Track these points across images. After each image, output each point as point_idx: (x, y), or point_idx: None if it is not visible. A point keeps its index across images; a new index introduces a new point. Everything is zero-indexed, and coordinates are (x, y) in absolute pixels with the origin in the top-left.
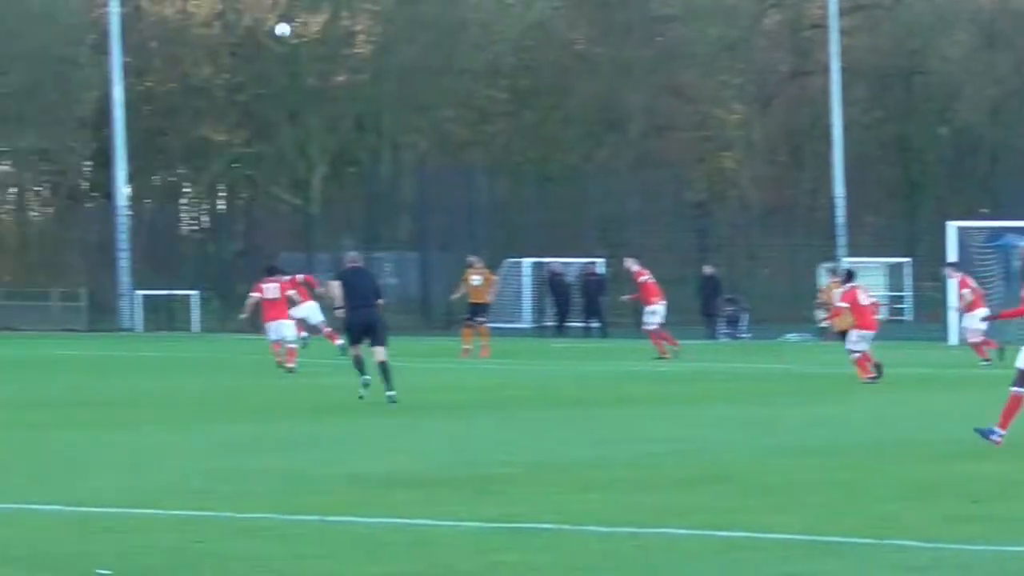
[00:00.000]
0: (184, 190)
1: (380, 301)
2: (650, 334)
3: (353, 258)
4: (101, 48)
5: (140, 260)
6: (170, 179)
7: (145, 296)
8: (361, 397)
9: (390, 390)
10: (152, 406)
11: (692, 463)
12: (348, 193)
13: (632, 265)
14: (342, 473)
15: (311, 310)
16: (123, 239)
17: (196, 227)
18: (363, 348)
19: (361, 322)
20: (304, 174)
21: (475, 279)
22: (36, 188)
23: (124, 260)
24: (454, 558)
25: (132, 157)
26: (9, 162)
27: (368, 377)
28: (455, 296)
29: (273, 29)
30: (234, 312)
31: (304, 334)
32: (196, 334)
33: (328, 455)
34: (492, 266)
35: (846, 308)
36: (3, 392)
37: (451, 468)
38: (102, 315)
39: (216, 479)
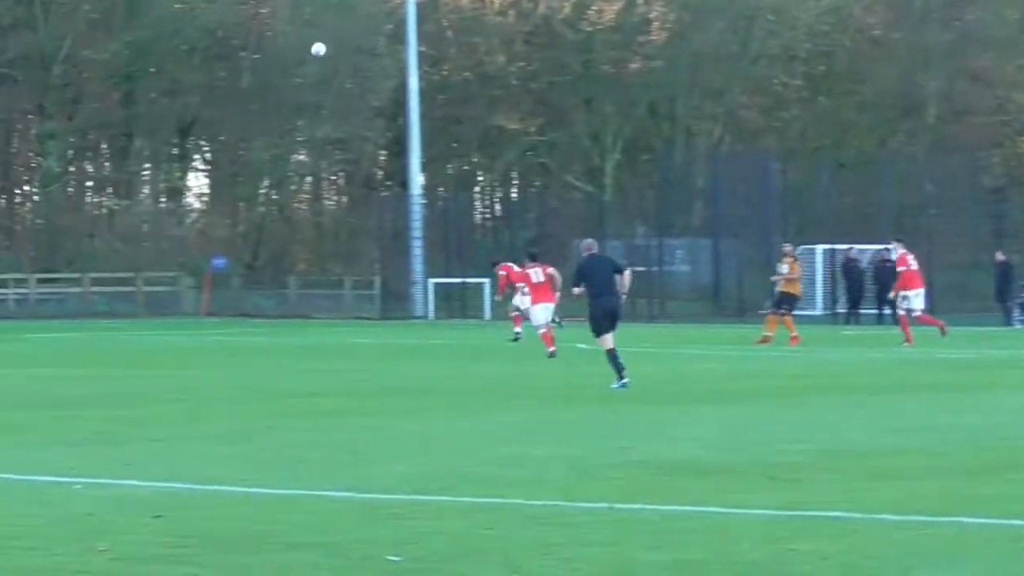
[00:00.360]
0: (478, 178)
1: (625, 279)
2: (900, 319)
3: (589, 246)
4: (397, 38)
5: (433, 248)
6: (464, 168)
7: (437, 284)
8: (623, 386)
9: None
10: (442, 394)
11: (985, 451)
12: (641, 180)
13: (898, 249)
14: (630, 460)
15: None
16: (416, 227)
17: (489, 215)
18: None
19: (605, 310)
20: (597, 161)
21: (783, 268)
22: (331, 177)
23: (417, 248)
24: (744, 546)
25: (426, 146)
26: (305, 151)
27: (626, 380)
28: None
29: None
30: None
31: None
32: (487, 322)
33: (615, 442)
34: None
35: None
36: (297, 380)
37: (740, 455)
38: (395, 303)
39: (504, 466)
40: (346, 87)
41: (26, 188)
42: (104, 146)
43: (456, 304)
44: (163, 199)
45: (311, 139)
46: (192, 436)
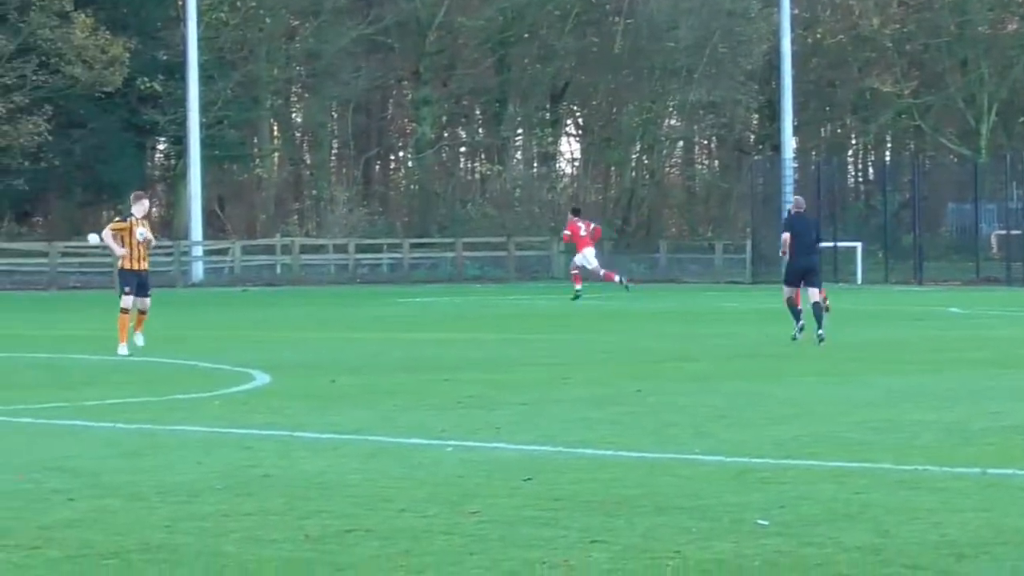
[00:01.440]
0: (851, 141)
1: (820, 245)
2: None
3: (798, 203)
4: (771, 1)
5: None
6: (837, 130)
7: None
8: (794, 338)
9: (819, 329)
10: (812, 358)
11: None
12: (1017, 142)
13: None
14: (1003, 425)
15: (587, 256)
16: (788, 191)
17: (861, 179)
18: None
19: (801, 268)
20: (972, 123)
21: None
22: (703, 141)
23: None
24: None
25: (799, 109)
26: (677, 115)
27: (803, 323)
28: None
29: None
30: (898, 264)
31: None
32: (859, 287)
33: (987, 407)
34: None
35: None
36: (667, 345)
37: None
38: (766, 267)
39: (874, 430)
40: (719, 51)
41: (400, 154)
42: (477, 112)
43: (828, 268)
44: (535, 164)
45: (683, 103)
46: (561, 399)
